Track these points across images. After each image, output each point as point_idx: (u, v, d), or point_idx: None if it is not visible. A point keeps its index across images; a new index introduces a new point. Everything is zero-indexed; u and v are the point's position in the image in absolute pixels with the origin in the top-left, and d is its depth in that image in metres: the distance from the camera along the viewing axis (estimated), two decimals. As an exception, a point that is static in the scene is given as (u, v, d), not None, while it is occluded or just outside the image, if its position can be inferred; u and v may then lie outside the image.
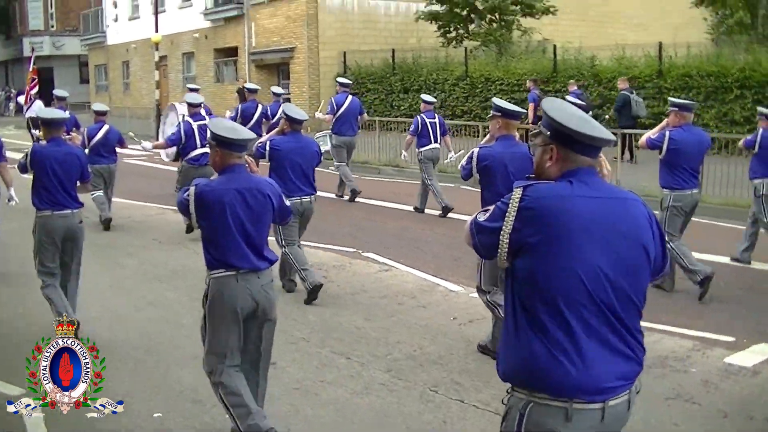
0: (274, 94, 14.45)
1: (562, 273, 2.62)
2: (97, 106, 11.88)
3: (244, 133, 4.60)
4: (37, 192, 6.66)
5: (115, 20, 38.61)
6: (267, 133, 8.69)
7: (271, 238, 5.49)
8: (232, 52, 30.83)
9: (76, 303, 6.82)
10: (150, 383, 5.62)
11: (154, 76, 29.00)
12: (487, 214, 2.81)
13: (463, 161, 6.16)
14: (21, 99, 18.56)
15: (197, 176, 9.73)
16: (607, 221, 2.68)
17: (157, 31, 27.67)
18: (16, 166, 7.00)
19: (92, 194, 11.17)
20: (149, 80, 33.20)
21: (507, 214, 2.69)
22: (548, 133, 2.80)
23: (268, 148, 7.70)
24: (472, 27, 25.37)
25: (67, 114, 10.84)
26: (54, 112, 7.36)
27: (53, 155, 6.66)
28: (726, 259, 9.13)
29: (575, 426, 2.64)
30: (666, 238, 7.57)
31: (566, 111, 2.80)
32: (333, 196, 13.75)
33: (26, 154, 6.77)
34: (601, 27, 29.69)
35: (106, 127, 11.40)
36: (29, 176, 6.79)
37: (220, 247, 4.48)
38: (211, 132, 4.53)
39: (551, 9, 24.85)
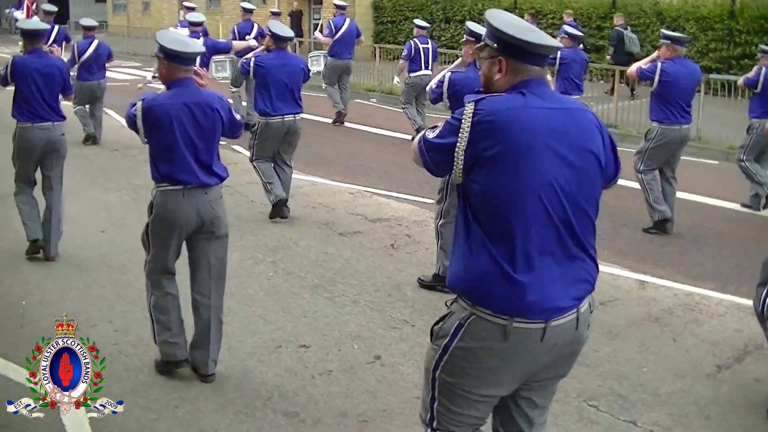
0: (244, 10, 14.04)
1: (518, 186, 2.59)
2: (85, 21, 11.71)
3: (192, 46, 4.54)
4: (17, 104, 6.61)
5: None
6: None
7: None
8: None
9: (61, 212, 6.82)
10: (127, 297, 5.80)
11: None
12: (437, 131, 2.75)
13: (432, 84, 6.07)
14: (18, 14, 18.25)
15: None
16: (560, 131, 2.66)
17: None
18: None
19: (74, 109, 11.15)
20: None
21: (461, 129, 2.63)
22: (494, 45, 2.74)
23: (252, 65, 7.72)
24: None
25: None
26: (34, 23, 7.25)
27: (34, 66, 6.58)
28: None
29: (511, 345, 2.63)
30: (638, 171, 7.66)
31: (510, 21, 2.75)
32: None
33: (6, 66, 6.69)
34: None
35: (96, 42, 11.28)
36: (11, 88, 6.76)
37: (167, 161, 4.44)
38: (158, 44, 4.42)
39: None
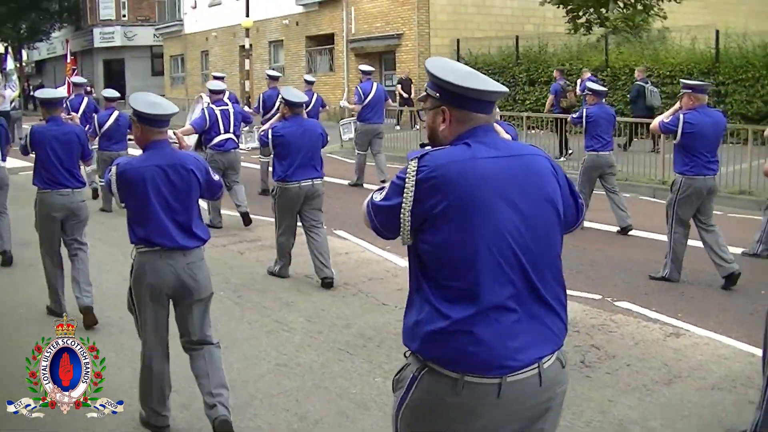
0: (270, 77, 14.15)
1: (469, 242, 2.48)
2: (107, 92, 12.07)
3: (165, 107, 4.51)
4: (37, 172, 6.76)
5: (194, 7, 37.17)
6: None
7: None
8: (328, 39, 28.95)
9: (87, 276, 6.81)
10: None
11: (245, 65, 27.57)
12: (383, 193, 2.64)
13: None
14: (62, 89, 19.23)
15: (223, 162, 10.34)
16: (509, 180, 2.55)
17: (248, 15, 26.28)
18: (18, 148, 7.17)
19: (101, 181, 11.40)
20: (231, 70, 32.41)
21: (405, 189, 2.52)
22: (437, 94, 2.63)
23: (270, 136, 7.66)
24: (606, 12, 23.09)
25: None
26: (51, 92, 7.43)
27: (52, 134, 6.76)
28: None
29: (465, 399, 2.51)
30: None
31: (452, 68, 2.64)
32: None
33: (26, 135, 6.92)
34: (721, 14, 24.63)
35: (116, 114, 11.59)
36: (31, 156, 6.98)
37: (144, 225, 4.42)
38: (131, 107, 4.44)
39: None
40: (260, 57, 31.91)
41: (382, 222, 2.64)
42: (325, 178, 8.22)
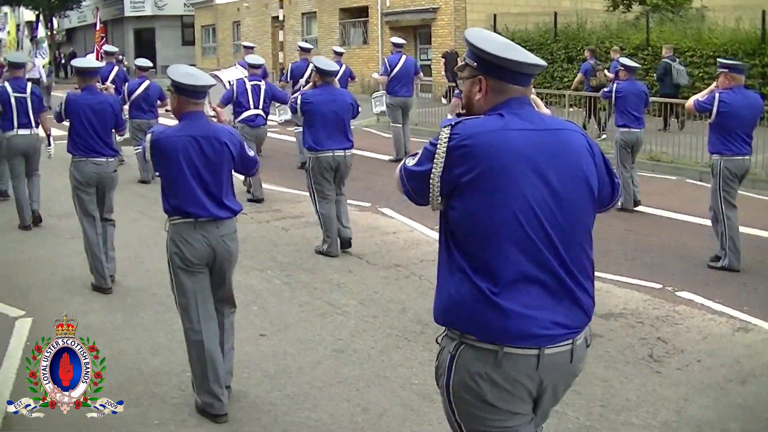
0: (301, 49, 14.01)
1: (497, 211, 2.49)
2: (140, 62, 12.14)
3: (202, 79, 4.54)
4: (72, 139, 6.90)
5: (225, -23, 36.80)
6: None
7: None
8: (362, 12, 28.60)
9: (113, 246, 7.02)
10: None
11: (278, 37, 27.46)
12: (416, 158, 2.67)
13: None
14: (91, 57, 19.25)
15: (253, 136, 10.21)
16: (541, 154, 2.54)
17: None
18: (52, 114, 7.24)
19: (135, 150, 11.49)
20: (263, 41, 32.28)
21: (436, 155, 2.55)
22: (474, 64, 2.65)
23: (299, 102, 7.74)
24: None
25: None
26: (87, 62, 7.54)
27: (87, 103, 6.89)
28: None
29: (506, 371, 2.53)
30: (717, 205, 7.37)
31: (491, 39, 2.65)
32: None
33: (61, 103, 7.05)
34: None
35: (146, 83, 11.66)
36: (66, 124, 7.07)
37: (177, 194, 4.46)
38: (169, 77, 4.48)
39: None
40: (292, 29, 31.43)
41: (414, 187, 2.67)
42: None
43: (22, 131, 8.91)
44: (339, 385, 5.02)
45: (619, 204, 9.52)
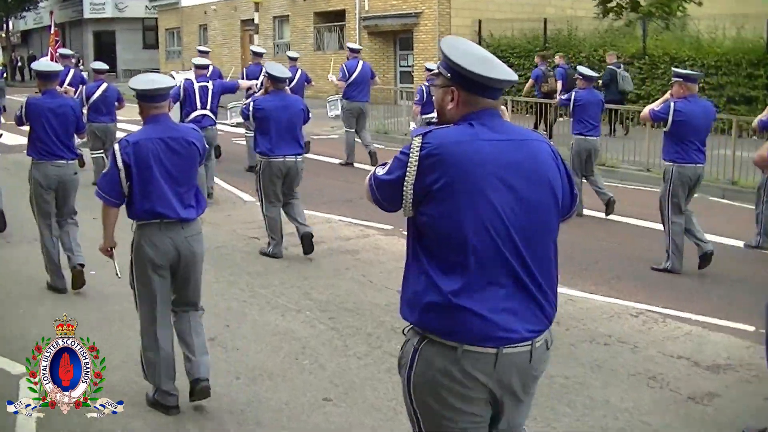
0: (254, 53, 14.37)
1: (465, 218, 2.60)
2: (96, 65, 12.17)
3: (159, 82, 4.65)
4: (32, 143, 6.87)
5: (191, -23, 35.82)
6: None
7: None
8: (338, 16, 27.77)
9: (80, 248, 6.94)
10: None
11: (248, 41, 26.69)
12: (386, 167, 2.76)
13: None
14: (45, 60, 18.96)
15: None
16: (509, 162, 2.65)
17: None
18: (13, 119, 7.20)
19: (92, 155, 11.55)
20: (232, 45, 31.79)
21: (408, 164, 2.64)
22: (448, 75, 2.72)
23: (251, 108, 7.86)
24: None
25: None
26: (48, 65, 7.52)
27: (48, 106, 6.87)
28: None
29: (465, 367, 2.64)
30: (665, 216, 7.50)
31: (466, 51, 2.72)
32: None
33: (21, 107, 7.02)
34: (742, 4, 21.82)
35: (104, 86, 11.62)
36: (26, 128, 7.02)
37: (148, 196, 4.51)
38: (130, 86, 4.64)
39: None
40: (263, 32, 29.91)
41: (383, 195, 2.77)
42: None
43: None
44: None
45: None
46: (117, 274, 5.06)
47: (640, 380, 5.26)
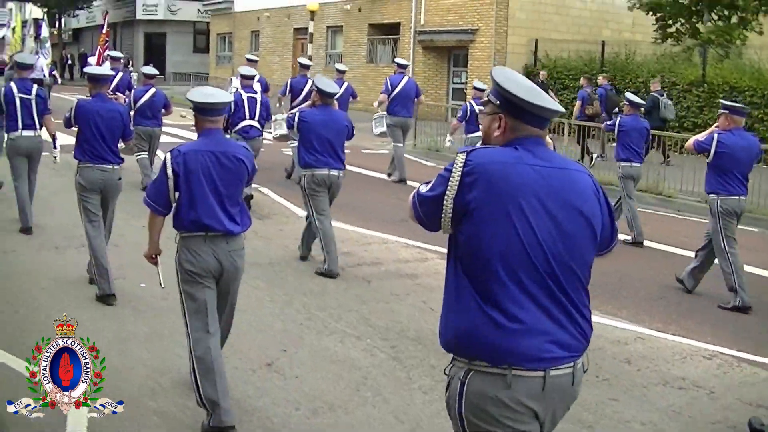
0: (301, 65, 14.30)
1: (503, 238, 2.62)
2: (146, 69, 12.34)
3: (217, 97, 4.71)
4: (79, 145, 6.98)
5: (246, -17, 35.65)
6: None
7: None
8: (392, 29, 27.67)
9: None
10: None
11: (300, 49, 26.57)
12: (430, 185, 2.80)
13: None
14: (92, 60, 19.10)
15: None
16: (549, 189, 2.68)
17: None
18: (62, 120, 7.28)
19: (137, 156, 11.62)
20: (283, 54, 31.62)
21: (450, 179, 2.68)
22: (497, 102, 2.79)
23: (296, 120, 7.88)
24: (700, 22, 21.28)
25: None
26: (99, 69, 7.64)
27: (97, 110, 6.99)
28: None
29: (515, 393, 2.64)
30: (720, 247, 7.46)
31: (516, 81, 2.78)
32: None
33: (71, 108, 7.12)
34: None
35: (152, 90, 11.76)
36: (74, 129, 7.12)
37: (193, 207, 4.55)
38: (188, 99, 4.71)
39: None
40: (316, 42, 29.71)
41: (426, 211, 2.80)
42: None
43: (26, 132, 8.99)
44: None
45: (629, 238, 9.77)
46: (161, 283, 5.07)
47: (721, 430, 5.06)
